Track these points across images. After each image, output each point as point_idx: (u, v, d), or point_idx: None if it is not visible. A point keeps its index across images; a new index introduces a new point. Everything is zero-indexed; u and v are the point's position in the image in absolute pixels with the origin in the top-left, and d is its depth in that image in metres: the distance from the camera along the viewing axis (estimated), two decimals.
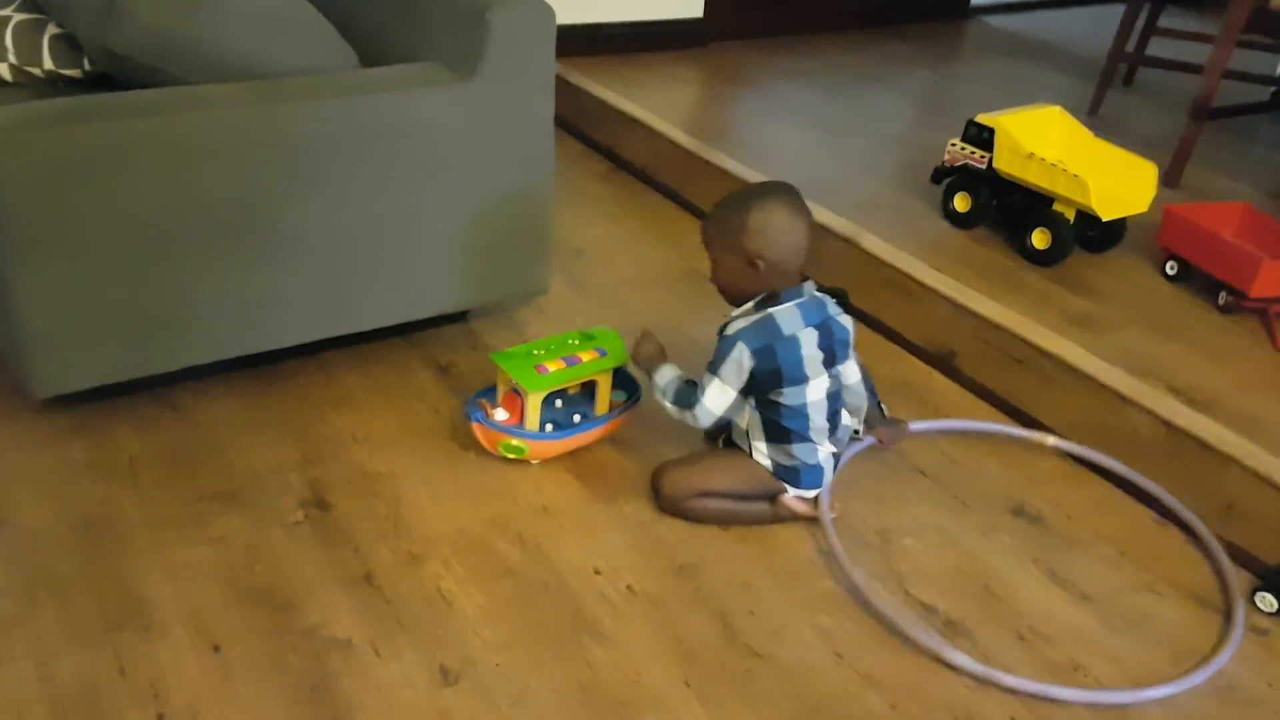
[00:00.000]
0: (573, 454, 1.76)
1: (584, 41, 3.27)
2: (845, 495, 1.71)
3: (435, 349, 2.01)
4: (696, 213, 2.66)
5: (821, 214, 2.38)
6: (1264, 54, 3.30)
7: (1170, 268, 2.16)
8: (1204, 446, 1.68)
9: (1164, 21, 3.31)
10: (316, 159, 1.68)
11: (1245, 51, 2.93)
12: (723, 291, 1.65)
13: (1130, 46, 3.15)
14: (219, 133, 1.60)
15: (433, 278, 1.88)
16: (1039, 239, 2.17)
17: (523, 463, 1.73)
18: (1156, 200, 2.19)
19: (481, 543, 1.57)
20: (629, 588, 1.52)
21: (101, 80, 1.90)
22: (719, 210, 1.60)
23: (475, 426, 1.69)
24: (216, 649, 1.37)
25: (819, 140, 2.85)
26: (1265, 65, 3.49)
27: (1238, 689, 1.43)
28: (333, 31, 1.84)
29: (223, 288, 1.69)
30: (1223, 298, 2.05)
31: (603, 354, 1.76)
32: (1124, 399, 1.78)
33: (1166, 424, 1.72)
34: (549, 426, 1.72)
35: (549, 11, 1.82)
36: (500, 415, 1.71)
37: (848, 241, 2.28)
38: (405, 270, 1.84)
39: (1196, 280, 2.13)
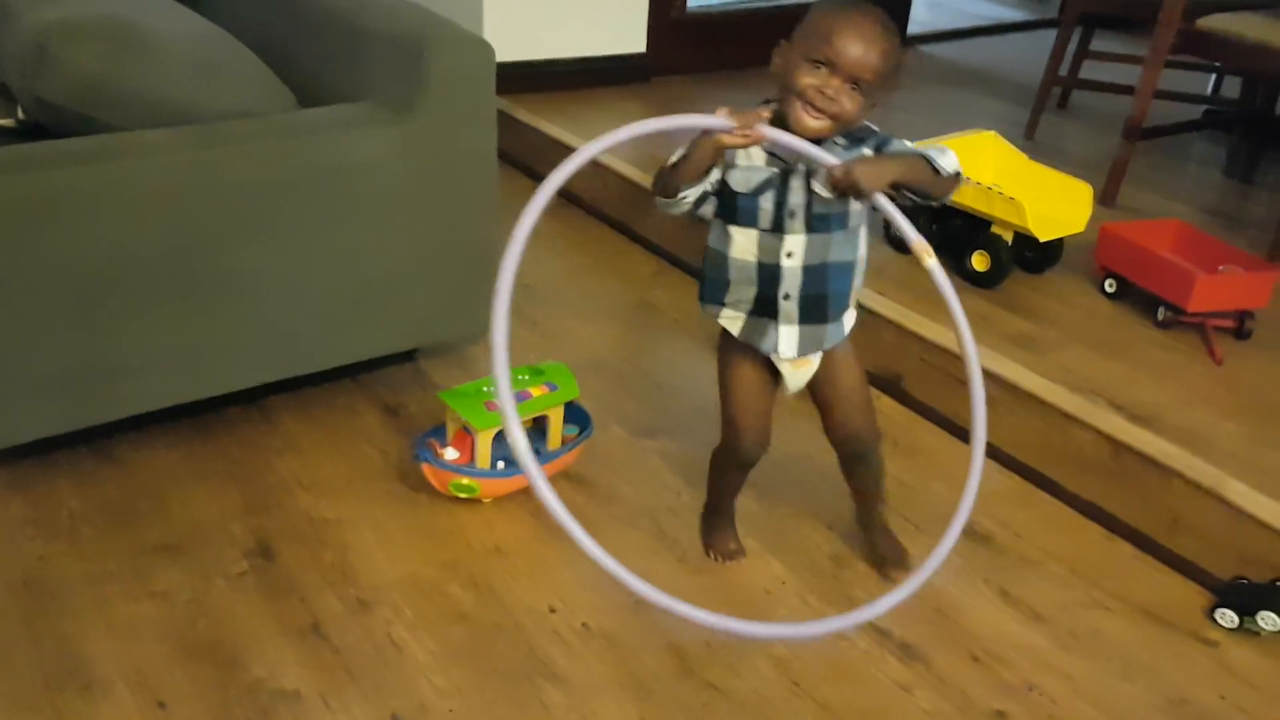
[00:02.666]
0: (525, 491, 1.75)
1: (529, 78, 3.28)
2: (797, 520, 1.71)
3: (383, 390, 1.99)
4: (646, 245, 2.67)
5: None
6: (1195, 73, 3.38)
7: (1109, 285, 2.20)
8: (1147, 461, 1.70)
9: (1096, 45, 3.39)
10: (256, 202, 1.67)
11: (1176, 71, 3.01)
12: (837, 120, 1.30)
13: (1063, 70, 3.22)
14: (155, 179, 1.59)
15: (377, 318, 1.87)
16: (978, 261, 2.20)
17: (474, 502, 1.71)
18: (1093, 220, 2.23)
19: (433, 586, 1.55)
20: (584, 625, 1.50)
21: (36, 130, 1.88)
22: (892, 28, 1.31)
23: (424, 467, 1.68)
24: (161, 706, 1.34)
25: None
26: (1196, 84, 3.58)
27: (1191, 704, 1.45)
28: (269, 73, 1.84)
29: (162, 335, 1.66)
30: (1161, 313, 2.08)
31: (553, 388, 1.76)
32: (1067, 416, 1.80)
33: (1110, 440, 1.74)
34: (500, 464, 1.71)
35: (488, 50, 1.83)
36: (450, 454, 1.69)
37: None
38: (349, 311, 1.83)
39: (1135, 297, 2.16)
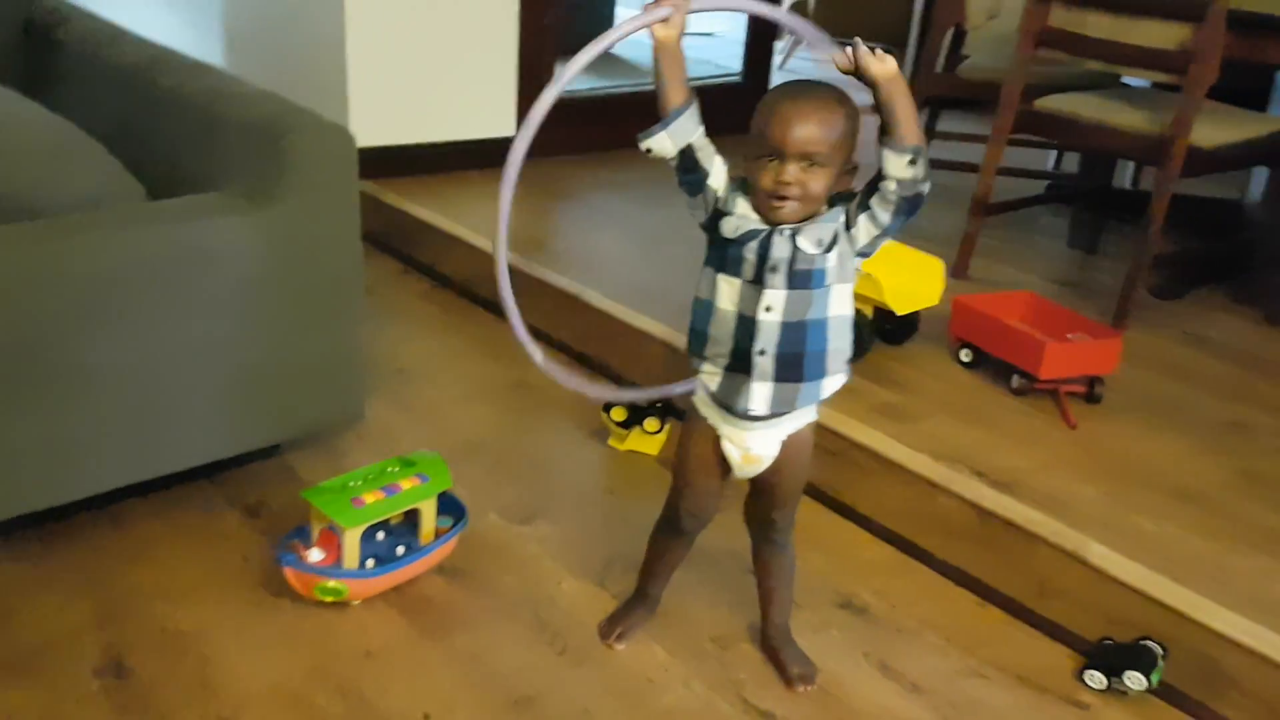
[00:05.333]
0: (398, 589, 1.69)
1: (398, 162, 3.27)
2: (678, 600, 1.69)
3: (244, 488, 1.91)
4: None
5: (642, 320, 2.42)
6: (1037, 150, 3.59)
7: (964, 355, 2.28)
8: (1012, 527, 1.75)
9: (942, 125, 3.57)
10: (105, 297, 1.59)
11: (1020, 149, 3.18)
12: (807, 201, 1.31)
13: None
14: None
15: (238, 413, 1.80)
16: None
17: (343, 605, 1.64)
18: (947, 292, 2.31)
19: (299, 698, 1.47)
20: None
21: None
22: (833, 96, 1.30)
23: (287, 571, 1.60)
24: None
25: (638, 249, 2.91)
26: (1038, 160, 3.79)
27: None
28: (115, 164, 1.78)
29: (5, 440, 1.56)
30: (1015, 381, 2.17)
31: (424, 480, 1.71)
32: (933, 485, 1.84)
33: (975, 507, 1.79)
34: (370, 562, 1.65)
35: (347, 137, 1.81)
36: (315, 556, 1.62)
37: (668, 346, 2.31)
38: (207, 407, 1.75)
39: (990, 366, 2.24)
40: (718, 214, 1.36)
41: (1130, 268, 2.50)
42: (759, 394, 1.38)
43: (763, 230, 1.33)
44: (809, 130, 1.27)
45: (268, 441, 1.91)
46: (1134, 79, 3.15)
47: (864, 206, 1.32)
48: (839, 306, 1.38)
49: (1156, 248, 2.51)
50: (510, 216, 1.39)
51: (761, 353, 1.36)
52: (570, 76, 1.33)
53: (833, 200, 1.34)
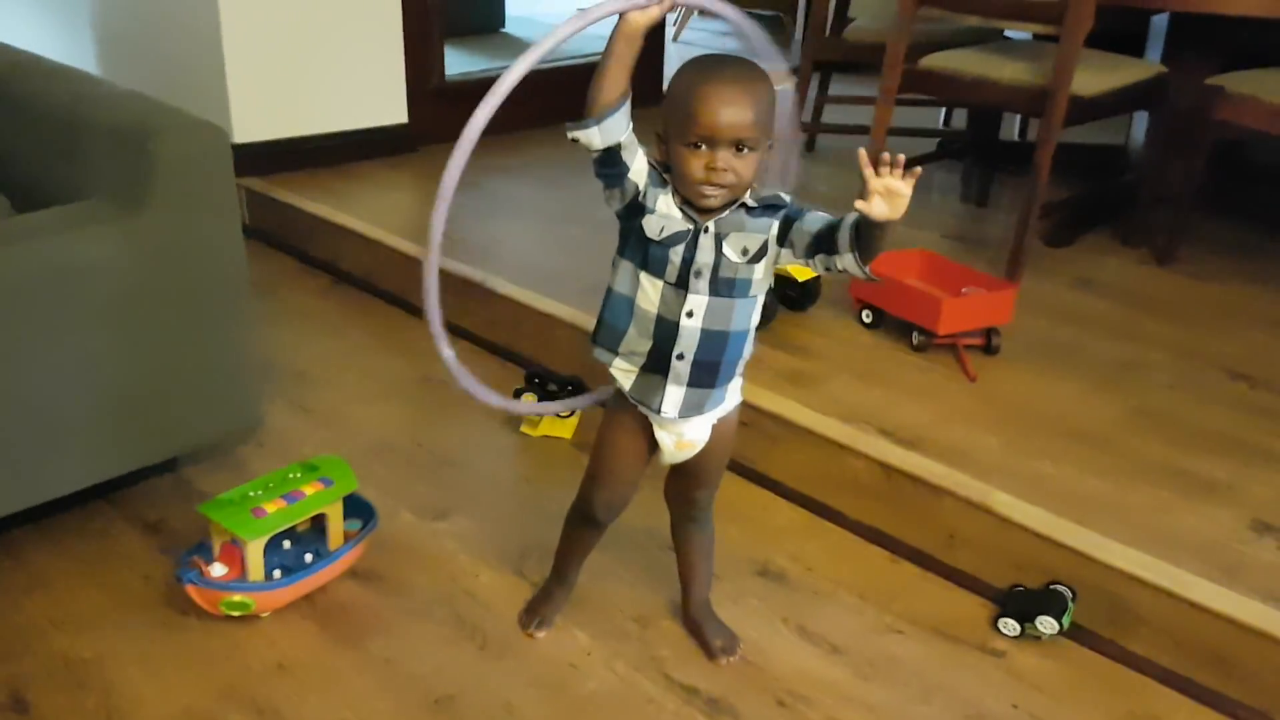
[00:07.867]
0: (309, 597, 1.65)
1: (288, 156, 3.18)
2: (598, 584, 1.68)
3: (141, 506, 1.84)
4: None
5: (548, 304, 2.40)
6: (927, 109, 3.63)
7: (866, 316, 2.30)
8: (918, 482, 1.78)
9: (834, 89, 3.59)
10: None
11: (910, 109, 3.22)
12: (737, 188, 1.27)
13: (807, 117, 3.39)
14: None
15: (125, 430, 1.73)
16: None
17: (252, 619, 1.60)
18: None
19: (211, 719, 1.43)
20: None
21: None
22: (755, 73, 1.26)
23: (190, 588, 1.55)
24: None
25: (539, 232, 2.88)
26: (930, 119, 3.85)
27: (986, 717, 1.50)
28: None
29: None
30: (916, 338, 2.20)
31: (328, 484, 1.67)
32: (841, 446, 1.86)
33: (882, 465, 1.81)
34: (277, 573, 1.61)
35: (220, 133, 1.74)
36: (218, 570, 1.57)
37: (576, 329, 2.29)
38: (91, 427, 1.68)
39: (890, 325, 2.27)
40: (637, 207, 1.31)
41: (1019, 218, 2.55)
42: (672, 397, 1.37)
43: (688, 232, 1.29)
44: (741, 115, 1.22)
45: (161, 457, 1.84)
46: (1015, 31, 3.21)
47: (808, 252, 1.29)
48: (756, 315, 1.37)
49: (1044, 197, 2.56)
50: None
51: (680, 357, 1.34)
52: (545, 50, 1.24)
53: (766, 203, 1.30)
